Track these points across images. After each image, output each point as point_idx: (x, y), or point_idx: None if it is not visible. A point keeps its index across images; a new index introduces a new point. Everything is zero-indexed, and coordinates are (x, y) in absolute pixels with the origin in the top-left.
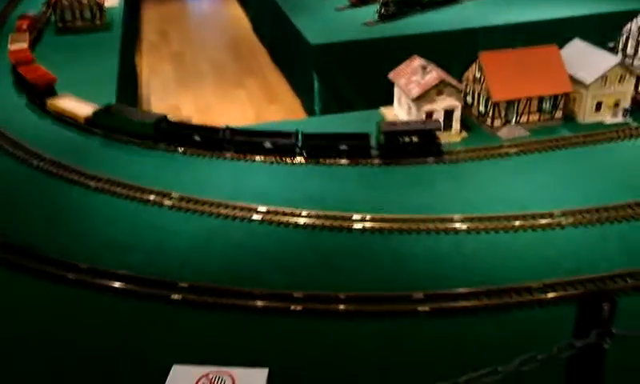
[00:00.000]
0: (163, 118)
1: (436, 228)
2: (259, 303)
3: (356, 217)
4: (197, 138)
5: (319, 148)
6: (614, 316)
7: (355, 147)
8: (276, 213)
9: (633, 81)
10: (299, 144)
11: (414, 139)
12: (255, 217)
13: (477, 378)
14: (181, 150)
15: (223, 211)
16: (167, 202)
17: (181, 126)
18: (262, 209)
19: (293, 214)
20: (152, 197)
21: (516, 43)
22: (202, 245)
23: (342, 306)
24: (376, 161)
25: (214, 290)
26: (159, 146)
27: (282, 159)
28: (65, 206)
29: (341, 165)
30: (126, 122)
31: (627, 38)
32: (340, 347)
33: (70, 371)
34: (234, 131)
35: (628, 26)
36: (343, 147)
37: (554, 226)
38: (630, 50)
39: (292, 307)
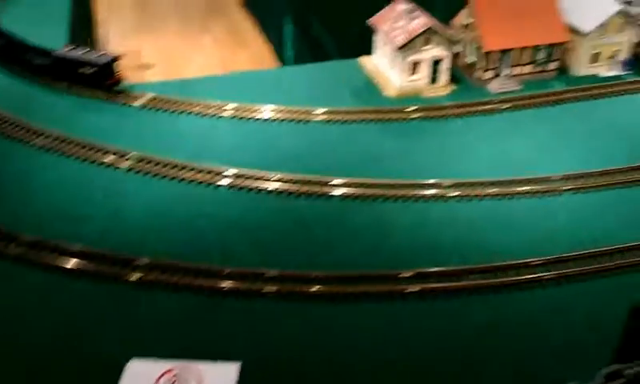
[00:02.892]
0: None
1: (424, 195)
2: (228, 284)
3: (335, 181)
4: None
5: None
6: None
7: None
8: (246, 177)
9: (633, 30)
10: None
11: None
12: (222, 181)
13: None
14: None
15: (187, 175)
16: (124, 164)
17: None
18: (230, 172)
19: (265, 178)
20: (107, 158)
21: None
22: (164, 213)
23: (320, 287)
24: (356, 117)
25: (176, 268)
26: (116, 97)
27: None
28: (4, 166)
29: (318, 121)
30: None
31: None
32: (318, 336)
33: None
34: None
35: None
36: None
37: (553, 191)
38: None
39: (265, 289)
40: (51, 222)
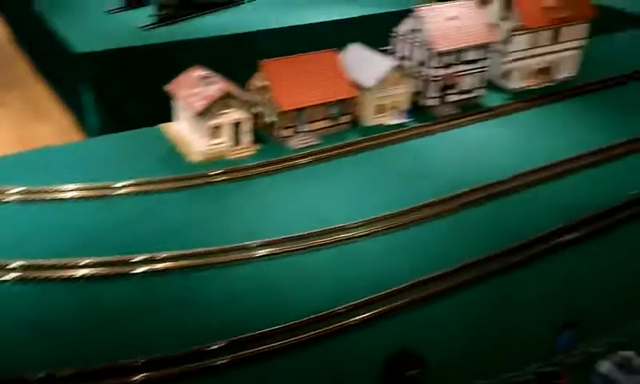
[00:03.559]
0: None
1: (231, 260)
2: None
3: (138, 258)
4: None
5: None
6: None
7: None
8: (35, 267)
9: (409, 82)
10: None
11: None
12: (7, 277)
13: None
14: None
15: None
16: None
17: None
18: (17, 264)
19: (57, 266)
20: None
21: (299, 45)
22: None
23: (138, 377)
24: (161, 186)
25: None
26: None
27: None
28: None
29: (120, 195)
30: None
31: (401, 40)
32: None
33: None
34: None
35: (400, 27)
36: None
37: (352, 239)
38: (404, 53)
39: None
40: None
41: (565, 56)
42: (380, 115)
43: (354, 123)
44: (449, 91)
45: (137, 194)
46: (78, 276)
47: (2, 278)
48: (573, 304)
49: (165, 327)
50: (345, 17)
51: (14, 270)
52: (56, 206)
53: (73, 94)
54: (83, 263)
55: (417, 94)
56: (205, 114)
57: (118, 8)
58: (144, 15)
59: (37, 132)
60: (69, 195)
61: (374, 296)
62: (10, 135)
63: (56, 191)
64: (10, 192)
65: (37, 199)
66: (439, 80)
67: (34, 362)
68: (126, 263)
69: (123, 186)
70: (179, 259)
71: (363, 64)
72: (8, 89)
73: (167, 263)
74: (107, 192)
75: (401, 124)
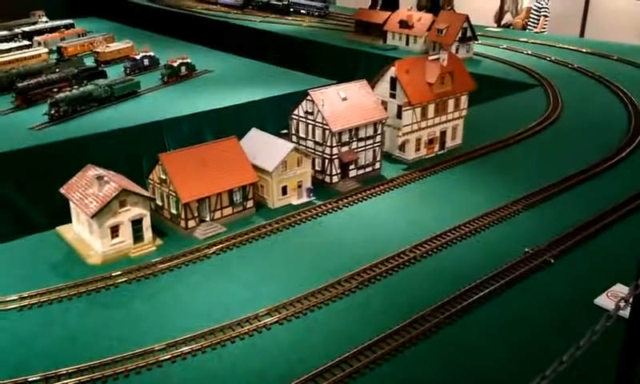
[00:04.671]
0: None
1: (136, 366)
2: None
3: (33, 378)
4: None
5: None
6: None
7: None
8: None
9: (309, 161)
10: None
11: None
12: None
13: None
14: None
15: None
16: None
17: None
18: None
19: None
20: None
21: (203, 132)
22: None
23: None
24: (60, 294)
25: None
26: None
27: None
28: None
29: (10, 310)
30: None
31: (298, 122)
32: None
33: None
34: None
35: (296, 109)
36: None
37: (262, 328)
38: (302, 133)
39: None
40: None
41: (451, 126)
42: (284, 197)
43: (260, 206)
44: (349, 167)
45: (31, 306)
46: None
47: None
48: (472, 369)
49: None
50: (244, 101)
51: None
52: None
53: None
54: None
55: (319, 172)
56: (100, 215)
57: (8, 110)
58: (36, 115)
59: None
60: None
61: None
62: None
63: None
64: None
65: None
66: (338, 158)
67: None
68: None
69: (19, 298)
70: (80, 373)
71: (264, 148)
72: None
73: (68, 379)
74: (0, 307)
75: (306, 203)
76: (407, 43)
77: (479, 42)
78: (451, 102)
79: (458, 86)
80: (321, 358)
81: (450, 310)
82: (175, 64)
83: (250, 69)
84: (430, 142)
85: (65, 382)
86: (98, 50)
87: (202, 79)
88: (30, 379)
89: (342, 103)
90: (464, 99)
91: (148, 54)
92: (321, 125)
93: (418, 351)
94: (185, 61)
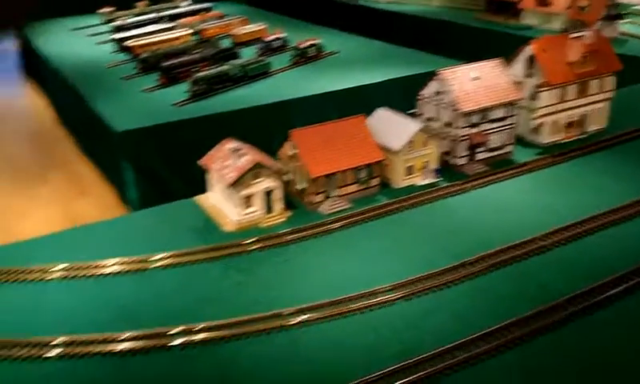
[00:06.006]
0: None
1: (265, 328)
2: None
3: (175, 330)
4: None
5: None
6: None
7: None
8: (77, 343)
9: (436, 142)
10: None
11: None
12: (50, 353)
13: None
14: None
15: (10, 353)
16: None
17: None
18: (60, 340)
19: (97, 341)
20: None
21: (329, 111)
22: None
23: None
24: (197, 257)
25: None
26: None
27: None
28: None
29: (157, 268)
30: None
31: (426, 102)
32: None
33: None
34: None
35: (425, 90)
36: None
37: (384, 303)
38: (430, 114)
39: None
40: None
41: (593, 109)
42: (409, 176)
43: (384, 186)
44: (477, 149)
45: (174, 265)
46: (117, 350)
47: (46, 355)
48: (602, 365)
49: None
50: (374, 81)
51: (56, 346)
52: (97, 281)
53: (114, 171)
54: (123, 337)
55: (445, 153)
56: (236, 185)
57: (153, 88)
58: (178, 92)
59: (80, 208)
60: (109, 270)
61: (411, 361)
62: (56, 211)
63: (97, 266)
64: (53, 270)
65: (79, 275)
66: (467, 139)
67: None
68: (164, 335)
69: (161, 259)
70: (216, 330)
71: (390, 127)
72: (53, 168)
73: (205, 334)
74: (146, 265)
75: (431, 184)
76: (545, 22)
77: (626, 20)
78: (594, 83)
79: (602, 66)
80: (441, 339)
81: (583, 304)
82: (304, 46)
83: (377, 50)
84: (569, 125)
85: (204, 335)
86: (233, 32)
87: (329, 60)
88: (171, 332)
89: (473, 83)
90: (609, 80)
91: (279, 36)
92: (450, 105)
93: (545, 342)
94: (314, 43)
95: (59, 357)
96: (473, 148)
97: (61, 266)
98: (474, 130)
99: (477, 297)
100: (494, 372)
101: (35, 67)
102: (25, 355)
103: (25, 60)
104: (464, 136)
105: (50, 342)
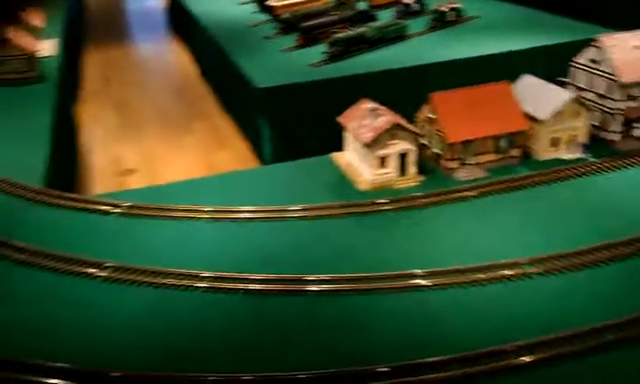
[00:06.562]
0: None
1: (396, 286)
2: None
3: (310, 278)
4: None
5: None
6: None
7: None
8: (222, 279)
9: (587, 115)
10: None
11: None
12: (199, 285)
13: None
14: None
15: (163, 281)
16: (101, 274)
17: None
18: (207, 275)
19: (239, 280)
20: (83, 269)
21: (467, 78)
22: (139, 323)
23: None
24: (331, 212)
25: (149, 380)
26: (94, 206)
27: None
28: None
29: (293, 218)
30: None
31: (579, 71)
32: None
33: None
34: None
35: (578, 57)
36: None
37: (522, 276)
38: (582, 84)
39: None
40: (23, 337)
41: None
42: (554, 149)
43: (525, 156)
44: (634, 125)
45: (309, 218)
46: (257, 289)
47: (195, 285)
48: None
49: (336, 344)
50: (515, 48)
51: (204, 279)
52: (238, 224)
53: (250, 125)
54: (262, 278)
55: (595, 127)
56: (373, 144)
57: (292, 47)
58: (316, 53)
59: (219, 158)
60: (249, 215)
61: (550, 337)
62: (198, 159)
63: (238, 212)
64: (201, 210)
65: (222, 218)
66: (622, 113)
67: (214, 365)
68: (300, 281)
69: (297, 210)
70: (350, 282)
71: (537, 96)
72: (197, 119)
73: (339, 285)
74: (283, 215)
75: (577, 159)
76: None
77: None
78: None
79: None
80: (581, 318)
81: None
82: (443, 9)
83: (521, 15)
84: None
85: (339, 285)
86: None
87: (469, 25)
88: (307, 278)
89: (636, 52)
90: None
91: None
92: (607, 75)
93: None
94: (453, 7)
95: (206, 290)
96: (629, 123)
97: (207, 208)
98: (632, 104)
99: (626, 280)
100: None
101: (181, 24)
102: (177, 285)
103: (172, 17)
104: (619, 109)
105: (199, 274)
